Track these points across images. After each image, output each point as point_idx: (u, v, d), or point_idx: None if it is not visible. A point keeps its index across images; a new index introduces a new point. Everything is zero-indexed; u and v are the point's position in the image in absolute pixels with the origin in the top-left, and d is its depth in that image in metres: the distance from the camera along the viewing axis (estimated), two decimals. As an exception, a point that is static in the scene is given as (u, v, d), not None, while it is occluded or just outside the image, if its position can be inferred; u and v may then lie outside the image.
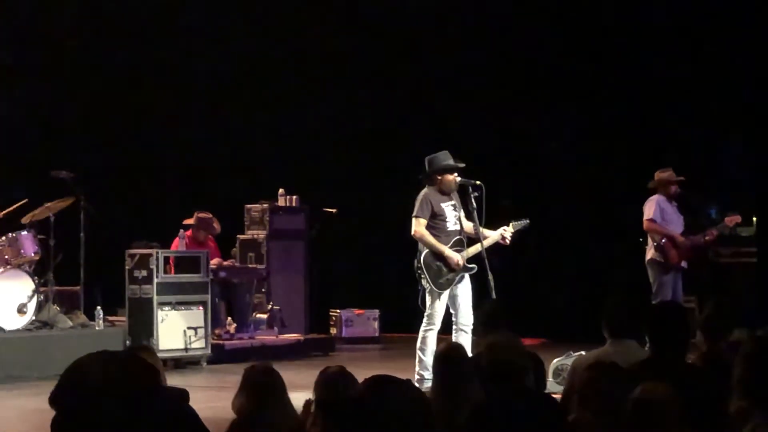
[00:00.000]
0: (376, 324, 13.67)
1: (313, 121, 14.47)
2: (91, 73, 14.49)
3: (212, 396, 8.38)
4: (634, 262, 10.68)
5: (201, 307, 11.25)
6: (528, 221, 9.08)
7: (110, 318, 11.65)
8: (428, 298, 8.77)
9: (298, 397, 4.76)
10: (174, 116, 14.50)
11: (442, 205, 8.84)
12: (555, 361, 8.43)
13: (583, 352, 6.73)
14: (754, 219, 11.64)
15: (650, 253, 10.17)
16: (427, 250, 8.76)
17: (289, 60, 14.58)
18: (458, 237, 8.87)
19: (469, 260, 8.82)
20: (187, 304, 11.18)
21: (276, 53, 14.61)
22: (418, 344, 8.75)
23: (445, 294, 8.74)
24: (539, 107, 13.42)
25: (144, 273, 11.08)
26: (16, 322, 10.63)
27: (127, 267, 11.20)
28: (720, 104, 12.41)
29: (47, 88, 14.24)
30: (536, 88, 13.43)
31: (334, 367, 4.88)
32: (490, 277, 8.54)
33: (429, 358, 8.58)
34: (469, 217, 8.89)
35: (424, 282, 8.76)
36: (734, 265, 11.74)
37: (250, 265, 12.68)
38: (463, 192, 8.87)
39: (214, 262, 12.00)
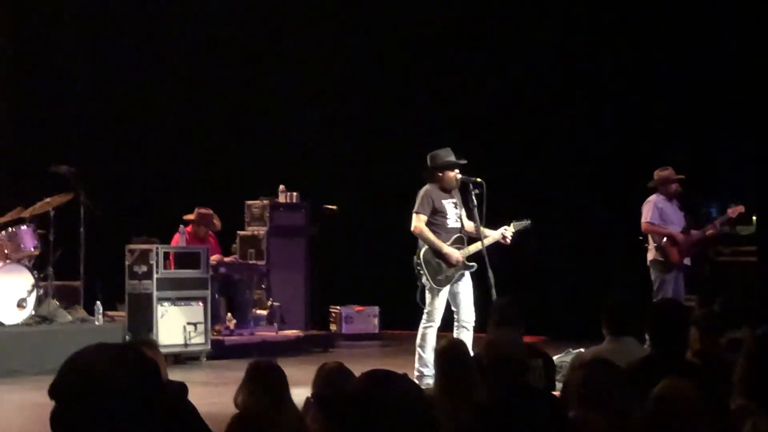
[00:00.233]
0: (376, 321, 13.68)
1: (315, 118, 14.45)
2: (91, 67, 14.49)
3: (211, 392, 8.38)
4: (633, 260, 10.68)
5: (201, 303, 11.25)
6: (529, 222, 9.08)
7: (110, 313, 11.66)
8: (428, 295, 8.77)
9: (298, 393, 4.76)
10: (175, 111, 14.49)
11: (443, 201, 8.83)
12: (554, 358, 8.40)
13: (582, 350, 6.74)
14: (754, 218, 11.63)
15: (651, 254, 10.16)
16: (427, 247, 8.76)
17: (291, 55, 14.58)
18: (458, 234, 8.86)
19: (470, 258, 8.81)
20: (186, 300, 11.18)
21: (278, 49, 14.61)
22: (418, 341, 8.75)
23: (445, 291, 8.74)
24: (540, 105, 13.42)
25: (144, 268, 11.09)
26: (16, 317, 10.64)
27: (126, 262, 11.20)
28: (720, 102, 12.41)
29: (47, 82, 14.24)
30: (537, 87, 13.43)
31: (332, 363, 4.88)
32: (491, 275, 8.54)
33: (429, 355, 8.58)
34: (469, 215, 8.89)
35: (423, 279, 8.75)
36: (734, 263, 11.73)
37: (250, 262, 12.68)
38: (464, 189, 8.87)
39: (214, 257, 12.00)
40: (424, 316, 8.76)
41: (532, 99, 13.45)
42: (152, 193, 14.14)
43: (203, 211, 12.18)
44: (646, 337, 5.52)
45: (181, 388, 4.08)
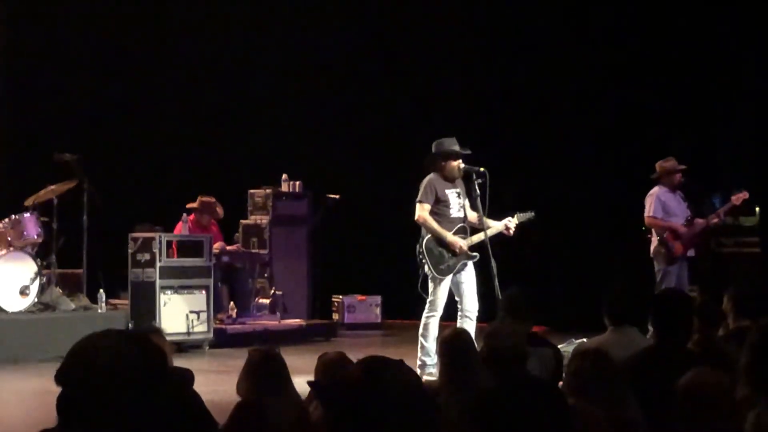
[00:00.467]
0: (378, 310, 13.69)
1: (317, 107, 14.45)
2: (95, 55, 14.48)
3: (214, 380, 8.40)
4: (636, 250, 10.68)
5: (203, 291, 11.27)
6: (533, 214, 9.07)
7: (113, 301, 11.68)
8: (430, 285, 8.77)
9: (300, 382, 4.77)
10: (178, 100, 14.48)
11: (446, 191, 8.82)
12: (557, 348, 8.43)
13: (584, 340, 6.75)
14: (757, 209, 11.62)
15: (655, 246, 10.16)
16: (429, 236, 8.75)
17: (294, 45, 14.56)
18: (461, 224, 8.85)
19: (472, 248, 8.81)
20: (189, 288, 11.20)
21: (281, 38, 14.59)
22: (420, 330, 8.75)
23: (447, 280, 8.73)
24: (543, 96, 13.40)
25: (147, 256, 11.10)
26: (19, 304, 10.66)
27: (129, 250, 11.21)
28: (723, 93, 12.39)
29: (51, 69, 14.23)
30: (540, 77, 13.41)
31: (333, 353, 4.89)
32: (494, 265, 8.54)
33: (431, 345, 8.59)
34: (472, 205, 8.88)
35: (425, 268, 8.75)
36: (737, 254, 11.72)
37: (252, 250, 12.69)
38: (467, 178, 8.86)
39: (217, 245, 12.01)
40: (427, 306, 8.76)
41: (536, 89, 13.43)
42: (155, 182, 14.14)
43: (206, 199, 12.18)
44: (649, 327, 5.53)
45: (188, 376, 4.09)
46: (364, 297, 13.69)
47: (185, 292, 11.17)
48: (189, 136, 14.47)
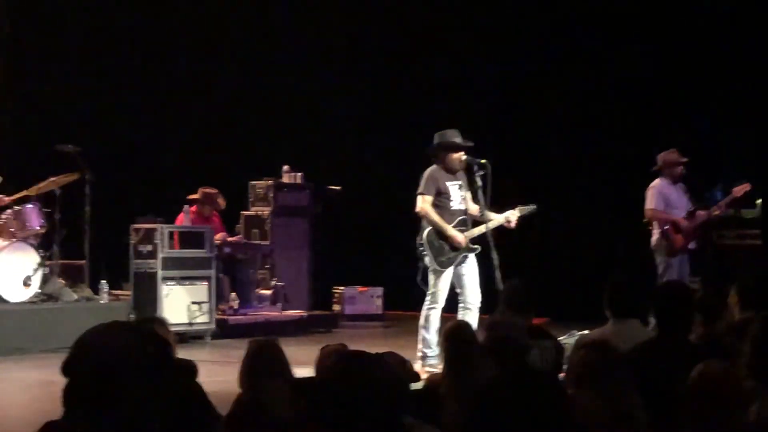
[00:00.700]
0: (379, 301, 13.70)
1: (319, 98, 14.45)
2: (98, 47, 14.47)
3: (216, 370, 8.40)
4: (637, 242, 10.68)
5: (205, 282, 11.29)
6: (535, 207, 9.07)
7: (115, 292, 11.70)
8: (431, 277, 8.78)
9: (301, 374, 4.79)
10: (180, 91, 14.48)
11: (448, 183, 8.82)
12: (558, 340, 8.43)
13: (586, 332, 6.75)
14: (759, 201, 11.61)
15: (655, 239, 10.16)
16: (430, 228, 8.76)
17: (295, 36, 14.55)
18: (462, 217, 8.86)
19: (473, 241, 8.82)
20: (191, 279, 11.22)
21: (282, 29, 14.58)
22: (421, 322, 8.77)
23: (448, 272, 8.74)
24: (544, 87, 13.39)
25: (149, 248, 11.12)
26: (21, 295, 10.67)
27: (132, 241, 11.23)
28: (725, 84, 12.38)
29: (52, 60, 14.23)
30: (541, 69, 13.39)
31: (335, 345, 4.90)
32: (495, 257, 8.54)
33: (431, 337, 8.61)
34: (474, 197, 8.88)
35: (426, 260, 8.76)
36: (739, 247, 11.72)
37: (254, 242, 12.70)
38: (469, 171, 8.86)
39: (219, 236, 12.02)
40: (428, 298, 8.77)
41: (537, 81, 13.42)
42: (157, 173, 14.15)
43: (208, 190, 12.19)
44: (650, 319, 5.53)
45: (192, 367, 4.10)
46: (365, 288, 13.71)
47: (187, 283, 11.20)
48: (191, 128, 14.47)
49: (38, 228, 10.95)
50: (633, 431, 3.94)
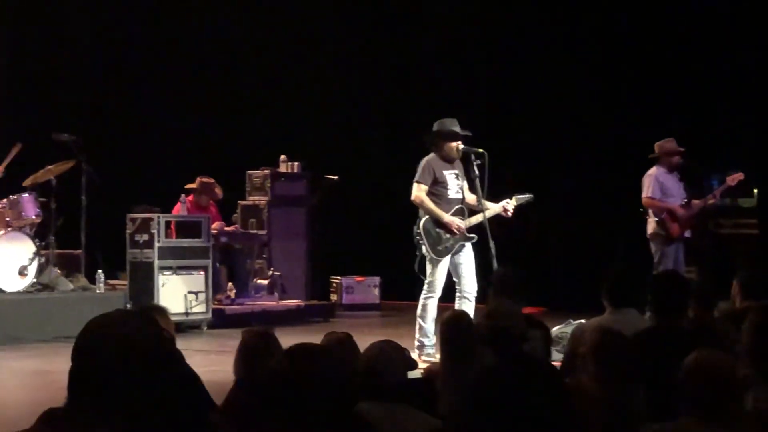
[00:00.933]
0: (376, 291, 13.71)
1: (316, 88, 14.42)
2: (94, 34, 14.44)
3: (212, 360, 8.42)
4: (634, 232, 10.68)
5: (202, 272, 11.28)
6: (531, 196, 9.07)
7: (111, 282, 11.68)
8: (428, 266, 8.77)
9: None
10: (176, 80, 14.46)
11: (445, 172, 8.81)
12: (555, 329, 8.44)
13: (583, 321, 6.76)
14: (756, 190, 11.62)
15: (651, 227, 10.17)
16: (427, 217, 8.75)
17: (292, 25, 14.52)
18: (459, 206, 8.85)
19: (470, 230, 8.81)
20: (188, 269, 11.20)
21: (279, 18, 14.55)
22: (419, 311, 8.77)
23: (445, 261, 8.73)
24: (542, 77, 13.37)
25: (145, 237, 11.10)
26: (17, 284, 10.66)
27: (128, 231, 11.21)
28: (721, 74, 12.36)
29: (49, 48, 14.20)
30: (538, 57, 13.38)
31: (339, 334, 4.89)
32: (492, 245, 8.54)
33: (429, 326, 8.61)
34: (471, 186, 8.87)
35: (423, 249, 8.75)
36: (735, 236, 11.73)
37: (251, 231, 12.68)
38: (466, 160, 8.85)
39: (216, 225, 12.00)
40: (425, 287, 8.77)
41: (534, 70, 13.40)
42: (154, 162, 14.13)
43: (205, 179, 12.18)
44: (647, 308, 5.53)
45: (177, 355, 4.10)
46: (362, 278, 13.71)
47: (184, 272, 11.18)
48: (188, 117, 14.45)
49: (34, 217, 10.94)
50: (628, 420, 3.94)
